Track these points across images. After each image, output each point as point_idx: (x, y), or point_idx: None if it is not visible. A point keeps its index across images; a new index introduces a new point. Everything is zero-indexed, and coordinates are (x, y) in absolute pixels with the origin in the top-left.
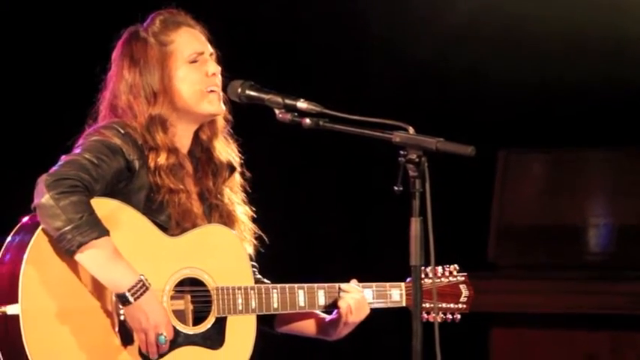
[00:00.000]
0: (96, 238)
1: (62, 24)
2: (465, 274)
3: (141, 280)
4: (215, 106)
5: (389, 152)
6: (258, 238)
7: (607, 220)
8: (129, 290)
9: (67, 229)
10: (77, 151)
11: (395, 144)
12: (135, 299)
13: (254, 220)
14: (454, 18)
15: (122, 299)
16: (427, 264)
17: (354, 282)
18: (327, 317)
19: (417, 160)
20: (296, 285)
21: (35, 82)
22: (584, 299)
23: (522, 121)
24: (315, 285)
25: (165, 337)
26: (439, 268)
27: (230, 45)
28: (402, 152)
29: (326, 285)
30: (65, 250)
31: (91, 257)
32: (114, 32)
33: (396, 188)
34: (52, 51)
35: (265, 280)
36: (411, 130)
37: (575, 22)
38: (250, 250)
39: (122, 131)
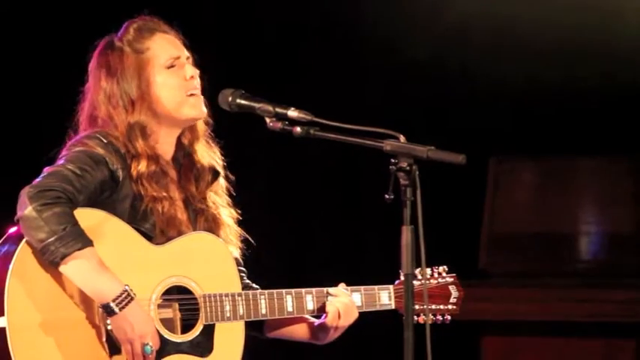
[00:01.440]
0: (79, 249)
1: (39, 38)
2: (454, 274)
3: (125, 290)
4: (197, 110)
5: (380, 159)
6: (244, 241)
7: (598, 227)
8: (113, 300)
9: (50, 240)
10: (60, 162)
11: (386, 152)
12: (120, 309)
13: (241, 224)
14: (449, 21)
15: (107, 310)
16: (417, 265)
17: (342, 286)
18: (316, 321)
19: (407, 168)
20: (284, 290)
21: (17, 95)
22: (576, 307)
23: (514, 128)
24: (303, 290)
25: (151, 346)
26: (428, 270)
27: (229, 45)
28: (393, 160)
29: (314, 289)
30: (49, 261)
31: (75, 268)
32: (90, 43)
33: (387, 196)
34: (31, 62)
35: (254, 285)
36: (402, 138)
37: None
38: (236, 253)
39: (105, 140)
